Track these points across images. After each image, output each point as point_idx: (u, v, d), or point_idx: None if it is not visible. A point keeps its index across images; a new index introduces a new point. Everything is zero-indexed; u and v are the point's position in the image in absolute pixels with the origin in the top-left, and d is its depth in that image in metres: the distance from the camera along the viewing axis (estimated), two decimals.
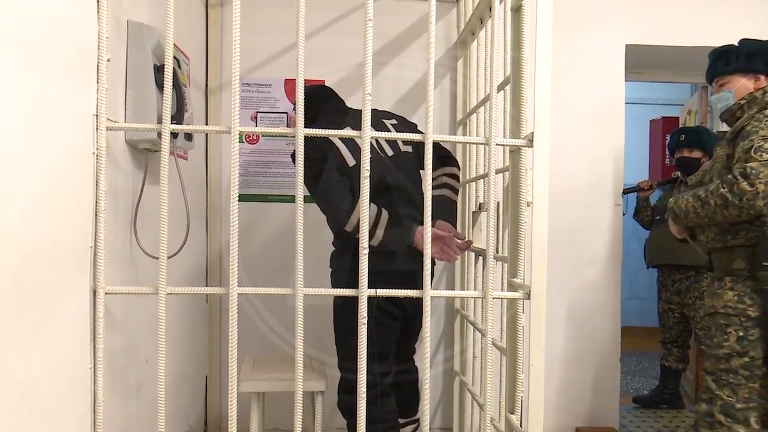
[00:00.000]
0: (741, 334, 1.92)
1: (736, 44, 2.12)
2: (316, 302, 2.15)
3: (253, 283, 2.64)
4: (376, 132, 1.45)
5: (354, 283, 1.46)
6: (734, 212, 1.85)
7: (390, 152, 2.06)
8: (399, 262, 1.93)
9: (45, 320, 1.18)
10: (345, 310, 1.91)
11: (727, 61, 2.09)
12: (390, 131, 1.98)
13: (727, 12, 2.89)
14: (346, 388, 2.01)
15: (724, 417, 1.94)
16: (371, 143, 1.99)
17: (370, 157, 1.43)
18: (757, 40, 2.10)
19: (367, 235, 1.44)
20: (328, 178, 1.90)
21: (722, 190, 1.85)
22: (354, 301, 1.44)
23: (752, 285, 1.91)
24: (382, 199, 1.94)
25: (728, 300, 1.96)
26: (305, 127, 1.41)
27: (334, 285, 2.04)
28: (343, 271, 2.00)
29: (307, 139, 1.42)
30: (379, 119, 2.01)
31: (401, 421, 2.18)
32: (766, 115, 1.91)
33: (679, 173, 3.25)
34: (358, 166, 1.81)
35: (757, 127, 1.88)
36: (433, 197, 1.89)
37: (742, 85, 2.06)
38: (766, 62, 2.05)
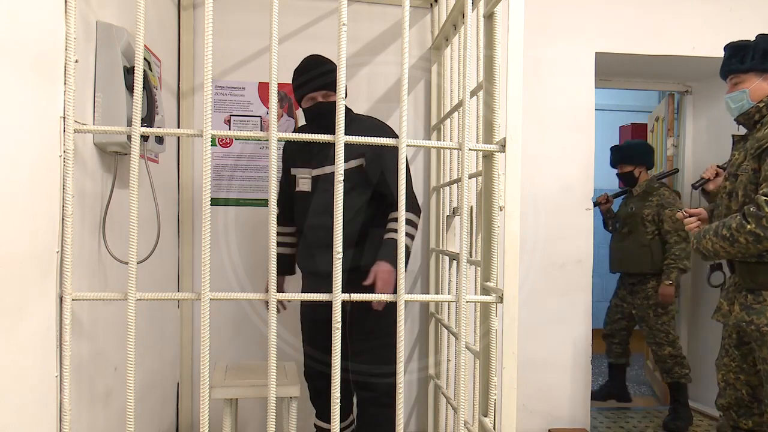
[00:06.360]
0: None
1: (754, 39, 2.00)
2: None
3: (225, 288, 2.62)
4: (350, 137, 1.45)
5: None
6: None
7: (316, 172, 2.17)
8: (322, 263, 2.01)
9: (9, 328, 1.15)
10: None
11: (742, 58, 1.98)
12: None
13: (689, 24, 2.98)
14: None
15: None
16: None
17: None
18: None
19: (341, 239, 1.43)
20: None
21: (749, 226, 1.77)
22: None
23: None
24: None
25: None
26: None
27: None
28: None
29: None
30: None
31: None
32: None
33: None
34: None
35: None
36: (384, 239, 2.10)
37: (756, 85, 1.95)
38: None
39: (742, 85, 2.00)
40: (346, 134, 1.44)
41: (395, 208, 2.14)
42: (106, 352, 1.68)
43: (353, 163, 2.12)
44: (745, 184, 1.92)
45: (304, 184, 2.20)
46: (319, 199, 2.13)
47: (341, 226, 1.43)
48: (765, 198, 1.77)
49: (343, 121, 1.42)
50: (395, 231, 2.12)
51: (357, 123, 2.18)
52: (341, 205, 1.43)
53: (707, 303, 3.38)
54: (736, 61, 2.01)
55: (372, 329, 2.11)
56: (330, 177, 2.09)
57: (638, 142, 3.63)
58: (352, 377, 2.23)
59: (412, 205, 2.20)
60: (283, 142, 2.35)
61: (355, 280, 2.00)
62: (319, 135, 1.47)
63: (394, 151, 1.84)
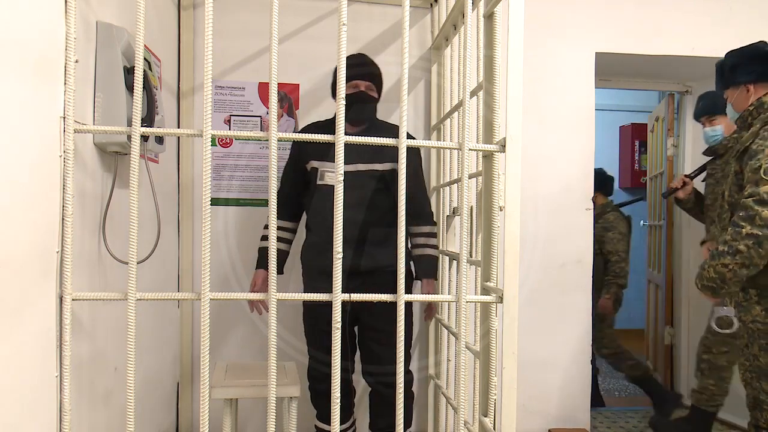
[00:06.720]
0: None
1: (723, 59, 2.14)
2: None
3: (225, 288, 2.62)
4: (350, 137, 1.45)
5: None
6: None
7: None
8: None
9: (9, 328, 1.15)
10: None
11: (719, 77, 2.14)
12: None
13: (691, 23, 2.98)
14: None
15: None
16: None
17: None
18: (740, 49, 2.09)
19: (341, 240, 1.43)
20: None
21: (744, 230, 1.75)
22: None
23: None
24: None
25: (756, 314, 1.89)
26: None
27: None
28: None
29: None
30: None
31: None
32: None
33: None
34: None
35: (763, 146, 1.82)
36: (416, 256, 2.28)
37: (735, 98, 2.08)
38: (747, 72, 2.03)
39: (729, 99, 2.14)
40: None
41: (420, 222, 2.30)
42: (106, 352, 1.68)
43: (387, 166, 2.20)
44: (730, 184, 1.99)
45: (332, 178, 2.19)
46: (350, 195, 2.15)
47: (341, 227, 1.43)
48: (751, 198, 1.77)
49: (343, 122, 1.42)
50: (425, 246, 2.30)
51: (384, 128, 2.25)
52: (341, 205, 1.43)
53: (705, 303, 3.38)
54: (717, 79, 2.18)
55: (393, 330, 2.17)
56: (363, 174, 2.16)
57: (595, 170, 3.73)
58: (367, 378, 2.28)
59: (430, 218, 2.35)
60: None
61: (386, 279, 2.10)
62: (318, 135, 1.47)
63: (419, 162, 2.08)
